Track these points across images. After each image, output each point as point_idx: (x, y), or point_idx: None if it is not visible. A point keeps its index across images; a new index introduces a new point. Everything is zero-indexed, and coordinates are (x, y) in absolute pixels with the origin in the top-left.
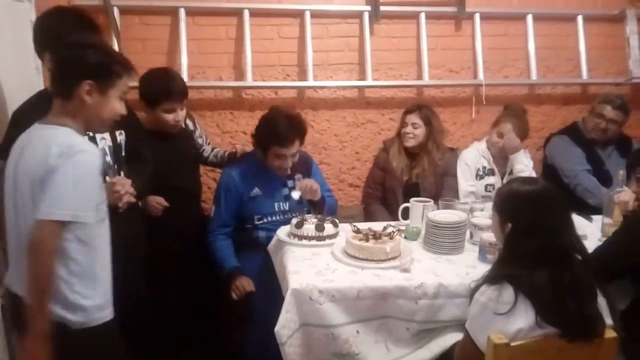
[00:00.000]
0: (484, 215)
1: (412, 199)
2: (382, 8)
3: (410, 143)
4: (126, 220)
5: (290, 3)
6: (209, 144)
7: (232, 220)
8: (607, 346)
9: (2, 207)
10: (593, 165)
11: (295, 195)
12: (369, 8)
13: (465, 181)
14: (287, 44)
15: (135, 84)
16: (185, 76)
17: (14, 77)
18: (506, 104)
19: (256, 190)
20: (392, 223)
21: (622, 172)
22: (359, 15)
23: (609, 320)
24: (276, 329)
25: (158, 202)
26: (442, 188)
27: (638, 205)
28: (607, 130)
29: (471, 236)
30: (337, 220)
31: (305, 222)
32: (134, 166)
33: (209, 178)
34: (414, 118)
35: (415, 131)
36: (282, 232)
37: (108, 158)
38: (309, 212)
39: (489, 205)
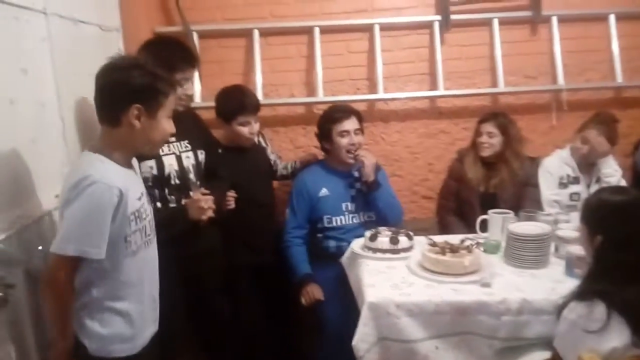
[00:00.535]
0: (570, 227)
1: (490, 211)
2: (452, 17)
3: (486, 153)
4: (204, 234)
5: (359, 18)
6: (280, 159)
7: (305, 222)
8: None
9: None
10: None
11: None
12: (439, 17)
13: (548, 190)
14: (356, 58)
15: (210, 104)
16: (259, 94)
17: None
18: (597, 112)
19: (324, 191)
20: (470, 236)
21: None
22: (429, 25)
23: None
24: (354, 342)
25: (230, 199)
26: (523, 199)
27: None
28: None
29: (556, 249)
30: (411, 233)
31: (379, 234)
32: (213, 183)
33: (283, 193)
34: (489, 127)
35: (491, 140)
36: (357, 244)
37: (191, 175)
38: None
39: (575, 215)
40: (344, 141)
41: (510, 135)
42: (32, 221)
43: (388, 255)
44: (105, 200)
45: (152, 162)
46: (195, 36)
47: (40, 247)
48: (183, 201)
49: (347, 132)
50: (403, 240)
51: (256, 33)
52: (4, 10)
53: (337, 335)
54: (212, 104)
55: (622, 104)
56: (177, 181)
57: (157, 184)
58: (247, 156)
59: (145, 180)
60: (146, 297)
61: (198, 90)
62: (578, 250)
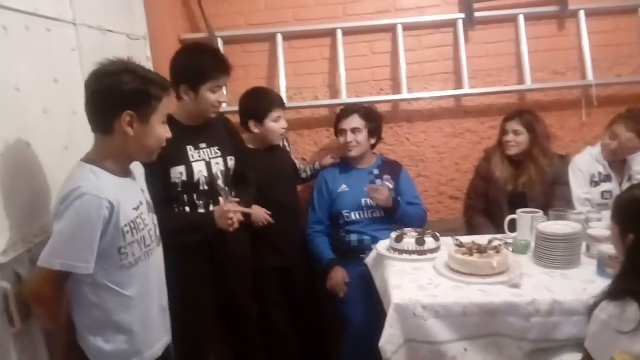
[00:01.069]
0: (602, 225)
1: (519, 210)
2: (476, 14)
3: (512, 151)
4: (233, 238)
5: (382, 19)
6: (305, 162)
7: (326, 218)
8: None
9: None
10: None
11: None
12: (463, 15)
13: (580, 188)
14: (380, 58)
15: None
16: (284, 98)
17: None
18: (628, 107)
19: (344, 187)
20: (498, 236)
21: None
22: (452, 23)
23: None
24: (381, 344)
25: (266, 217)
26: (552, 198)
27: None
28: None
29: (588, 249)
30: (438, 234)
31: (405, 236)
32: (242, 188)
33: (307, 195)
34: (514, 125)
35: (518, 138)
36: (382, 246)
37: (220, 182)
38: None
39: (607, 214)
40: (341, 139)
41: (537, 133)
42: None
43: (414, 256)
44: (94, 214)
45: (182, 169)
46: (220, 42)
47: None
48: (211, 207)
49: (344, 130)
50: (429, 241)
51: (279, 37)
52: (36, 23)
53: (362, 336)
54: (237, 108)
55: None
56: (206, 187)
57: (186, 190)
58: (273, 158)
59: (174, 185)
60: (152, 309)
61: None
62: (610, 249)
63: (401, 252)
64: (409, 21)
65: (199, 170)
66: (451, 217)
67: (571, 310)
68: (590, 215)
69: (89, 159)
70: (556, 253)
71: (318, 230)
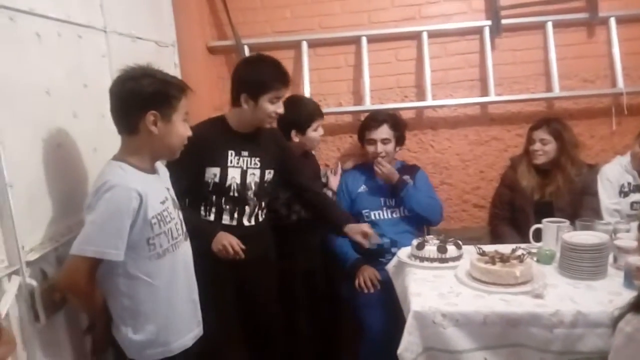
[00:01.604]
0: (630, 237)
1: (544, 220)
2: (503, 21)
3: (540, 160)
4: (256, 241)
5: (407, 26)
6: (325, 167)
7: None
8: None
9: None
10: None
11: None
12: (489, 23)
13: (608, 199)
14: (404, 65)
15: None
16: None
17: None
18: None
19: (363, 187)
20: (522, 245)
21: None
22: (479, 31)
23: None
24: (399, 351)
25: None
26: (580, 208)
27: None
28: None
29: (615, 260)
30: (460, 242)
31: (426, 243)
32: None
33: None
34: (541, 134)
35: (545, 147)
36: (403, 253)
37: (251, 192)
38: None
39: (635, 225)
40: (370, 149)
41: (564, 141)
42: None
43: (436, 264)
44: (124, 203)
45: (217, 170)
46: (246, 49)
47: None
48: (236, 215)
49: (374, 140)
50: (451, 249)
51: (304, 44)
52: (69, 30)
53: (380, 342)
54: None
55: None
56: (236, 194)
57: (216, 192)
58: (307, 163)
59: (206, 184)
60: (180, 300)
61: None
62: (638, 260)
63: (422, 259)
64: (435, 28)
65: (232, 177)
66: (475, 225)
67: (596, 322)
68: (618, 226)
69: (117, 158)
70: (582, 264)
71: None
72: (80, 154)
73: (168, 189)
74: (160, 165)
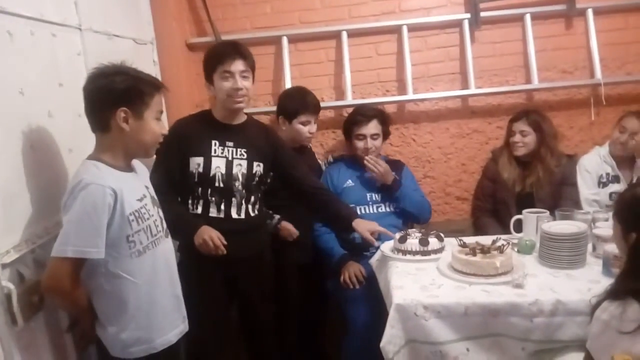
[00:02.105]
0: (608, 225)
1: (525, 210)
2: (482, 14)
3: (520, 152)
4: (249, 240)
5: (387, 20)
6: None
7: None
8: None
9: None
10: None
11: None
12: (468, 16)
13: (587, 189)
14: (385, 60)
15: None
16: None
17: None
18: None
19: (349, 182)
20: (503, 236)
21: None
22: (458, 24)
23: None
24: (382, 344)
25: (291, 232)
26: (560, 198)
27: None
28: None
29: (594, 248)
30: (442, 235)
31: (408, 236)
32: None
33: None
34: (521, 125)
35: (525, 139)
36: (386, 247)
37: (238, 183)
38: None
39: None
40: (359, 144)
41: (544, 132)
42: None
43: (418, 257)
44: (99, 201)
45: (200, 160)
46: None
47: None
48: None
49: (364, 136)
50: (433, 242)
51: (285, 40)
52: (42, 28)
53: (364, 336)
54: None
55: None
56: (222, 185)
57: (201, 183)
58: (303, 157)
59: (191, 175)
60: (163, 296)
61: None
62: (616, 248)
63: (405, 252)
64: (414, 22)
65: (217, 166)
66: (458, 218)
67: (575, 310)
68: (597, 215)
69: (92, 157)
70: (561, 253)
71: (324, 225)
72: (56, 154)
73: (147, 187)
74: (139, 164)
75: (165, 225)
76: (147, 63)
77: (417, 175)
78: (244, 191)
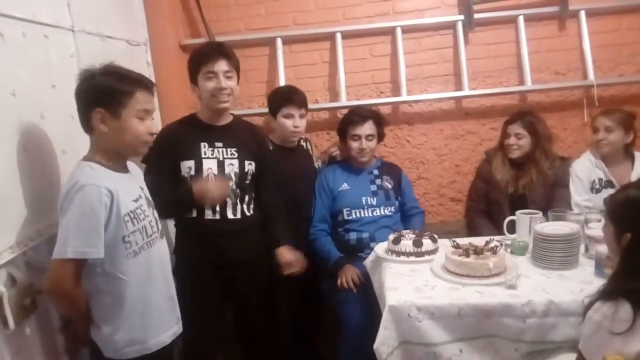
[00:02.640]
0: (601, 226)
1: (518, 212)
2: (476, 16)
3: (514, 154)
4: (244, 243)
5: (381, 21)
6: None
7: (328, 216)
8: None
9: None
10: None
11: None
12: (462, 17)
13: (579, 195)
14: (379, 61)
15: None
16: None
17: None
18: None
19: (345, 185)
20: (496, 237)
21: None
22: (452, 25)
23: None
24: (375, 345)
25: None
26: (553, 200)
27: None
28: None
29: (586, 249)
30: (435, 236)
31: (402, 238)
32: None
33: None
34: (516, 128)
35: (520, 142)
36: (380, 248)
37: (231, 183)
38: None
39: None
40: (354, 145)
41: (539, 135)
42: None
43: (412, 258)
44: (96, 202)
45: (191, 163)
46: None
47: None
48: (217, 208)
49: (359, 136)
50: (427, 243)
51: (279, 41)
52: (34, 29)
53: (358, 337)
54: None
55: None
56: None
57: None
58: (292, 157)
59: (183, 180)
60: (157, 297)
61: None
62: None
63: (398, 254)
64: (408, 24)
65: (209, 167)
66: (452, 219)
67: (568, 311)
68: (589, 216)
69: (86, 158)
70: (554, 254)
71: (322, 229)
72: (49, 156)
73: (142, 188)
74: (133, 165)
75: (160, 226)
76: (140, 64)
77: (411, 176)
78: (238, 190)
